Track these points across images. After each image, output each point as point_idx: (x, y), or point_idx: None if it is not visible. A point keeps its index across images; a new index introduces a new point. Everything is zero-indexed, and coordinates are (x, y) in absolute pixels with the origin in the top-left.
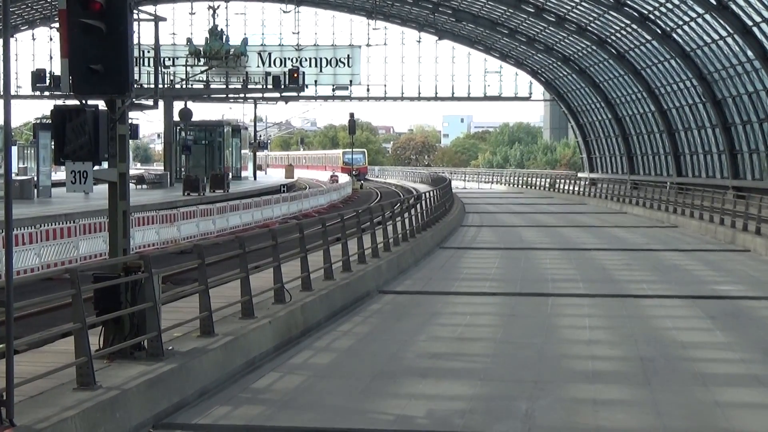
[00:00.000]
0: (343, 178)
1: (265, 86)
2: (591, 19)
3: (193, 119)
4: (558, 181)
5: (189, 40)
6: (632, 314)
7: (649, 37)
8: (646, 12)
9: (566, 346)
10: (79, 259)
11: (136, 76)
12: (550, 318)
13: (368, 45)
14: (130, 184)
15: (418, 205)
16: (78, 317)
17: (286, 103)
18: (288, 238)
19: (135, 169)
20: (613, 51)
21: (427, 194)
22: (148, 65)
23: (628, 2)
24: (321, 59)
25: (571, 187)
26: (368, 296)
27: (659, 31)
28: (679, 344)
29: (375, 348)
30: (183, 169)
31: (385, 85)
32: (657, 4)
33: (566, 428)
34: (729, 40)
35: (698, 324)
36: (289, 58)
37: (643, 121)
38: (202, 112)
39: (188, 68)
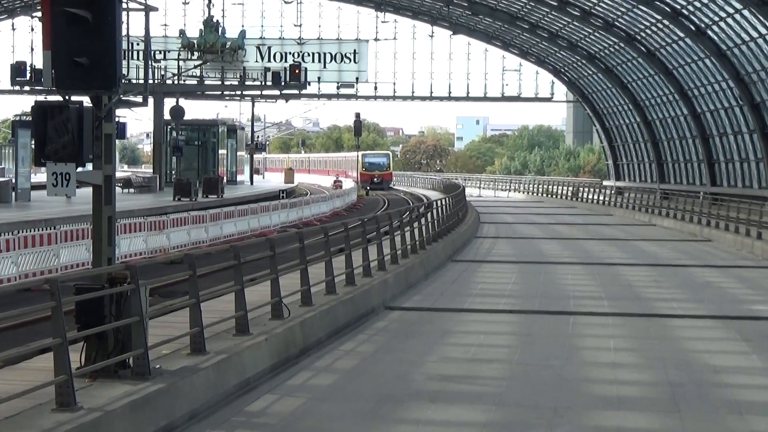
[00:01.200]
0: (348, 183)
1: (263, 83)
2: (619, 13)
3: (185, 118)
4: (581, 189)
5: (182, 32)
6: (661, 335)
7: (681, 34)
8: (678, 7)
9: (588, 369)
10: (59, 269)
11: (125, 71)
12: (571, 338)
13: (376, 39)
14: (117, 188)
15: (429, 214)
16: (58, 332)
17: (287, 101)
18: (287, 248)
19: (122, 171)
20: (643, 49)
21: (439, 202)
22: (138, 59)
23: None
24: (325, 54)
25: (595, 197)
26: (373, 313)
27: (693, 28)
28: (711, 368)
29: (380, 369)
30: (174, 172)
31: (394, 83)
32: None
33: None
34: None
35: (732, 347)
36: (290, 53)
37: (675, 125)
38: (196, 110)
39: (181, 62)
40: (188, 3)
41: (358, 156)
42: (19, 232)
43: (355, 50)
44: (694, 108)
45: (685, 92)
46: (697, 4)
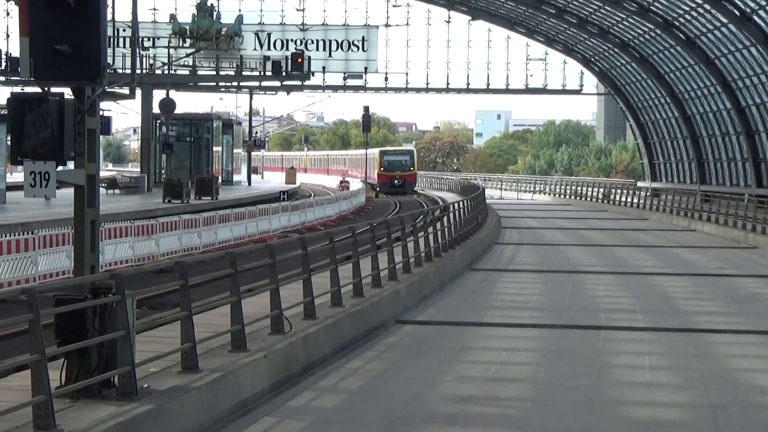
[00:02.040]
0: (356, 184)
1: (263, 73)
2: None
3: (176, 111)
4: (613, 191)
5: (173, 17)
6: (701, 352)
7: (724, 20)
8: None
9: (621, 390)
10: (38, 278)
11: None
12: (602, 355)
13: (387, 25)
14: (101, 189)
15: (445, 218)
16: (36, 347)
17: (288, 93)
18: (288, 255)
19: (106, 170)
20: (682, 36)
21: (456, 205)
22: (124, 46)
23: None
24: (330, 42)
25: (628, 199)
26: (384, 327)
27: (737, 13)
28: (757, 389)
29: (391, 389)
30: (163, 172)
31: (406, 74)
32: None
33: None
34: None
35: None
36: (292, 40)
37: (717, 120)
38: (188, 103)
39: (171, 51)
40: None
41: (365, 154)
42: None
43: (363, 37)
44: (738, 101)
45: (728, 84)
46: None
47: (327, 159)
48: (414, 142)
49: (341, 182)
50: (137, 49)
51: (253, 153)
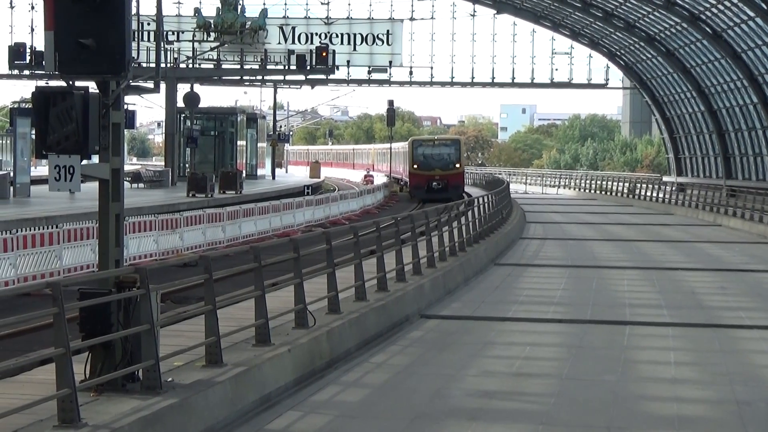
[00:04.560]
0: (381, 179)
1: (287, 67)
2: None
3: (200, 105)
4: (639, 185)
5: (197, 11)
6: (727, 348)
7: (751, 14)
8: None
9: (646, 386)
10: (62, 272)
11: (134, 53)
12: (627, 351)
13: (412, 19)
14: (125, 183)
15: (470, 213)
16: (60, 341)
17: (313, 87)
18: (312, 250)
19: (130, 164)
20: (708, 30)
21: (481, 199)
22: (149, 40)
23: None
24: (355, 35)
25: (654, 194)
26: (408, 321)
27: (764, 6)
28: None
29: (415, 384)
30: (187, 166)
31: (431, 68)
32: None
33: None
34: None
35: None
36: (316, 34)
37: (743, 115)
38: (212, 97)
39: (196, 44)
40: None
41: (390, 147)
42: (17, 231)
43: (388, 31)
44: (765, 96)
45: (754, 78)
46: None
47: (352, 153)
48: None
49: (366, 176)
50: (162, 43)
51: (276, 147)
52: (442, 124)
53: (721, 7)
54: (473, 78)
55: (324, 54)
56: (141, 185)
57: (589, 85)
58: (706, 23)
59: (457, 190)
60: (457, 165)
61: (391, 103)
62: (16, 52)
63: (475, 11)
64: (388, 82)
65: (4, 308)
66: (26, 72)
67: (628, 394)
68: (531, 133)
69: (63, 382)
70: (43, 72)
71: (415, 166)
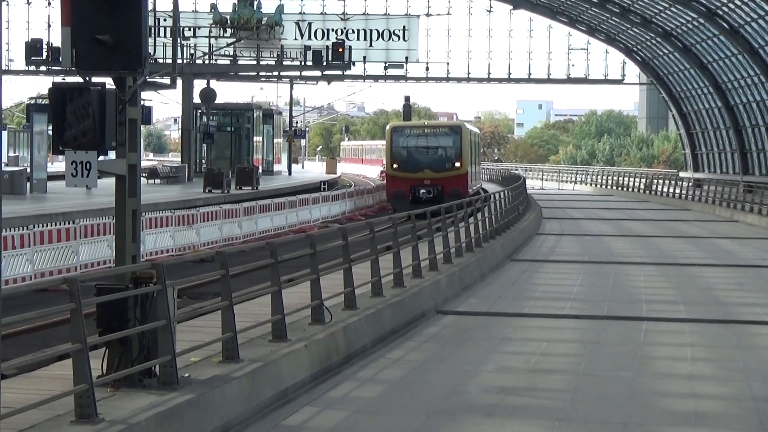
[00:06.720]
0: None
1: (303, 63)
2: None
3: (216, 101)
4: (655, 181)
5: (213, 7)
6: (744, 344)
7: None
8: None
9: (663, 382)
10: (79, 267)
11: (151, 49)
12: (644, 347)
13: (428, 15)
14: (142, 178)
15: (486, 209)
16: (77, 336)
17: (329, 83)
18: (328, 245)
19: (147, 160)
20: (725, 25)
21: (497, 195)
22: (165, 36)
23: None
24: (371, 31)
25: (671, 190)
26: (424, 317)
27: None
28: None
29: (431, 380)
30: (204, 162)
31: (447, 64)
32: None
33: None
34: None
35: None
36: (332, 30)
37: (761, 110)
38: (228, 92)
39: (212, 40)
40: None
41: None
42: (34, 227)
43: (404, 27)
44: None
45: None
46: None
47: (368, 149)
48: None
49: (382, 172)
50: (178, 39)
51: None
52: (458, 119)
53: (738, 2)
54: (489, 74)
55: (340, 50)
56: (157, 181)
57: (606, 81)
58: (724, 18)
59: (457, 198)
60: (458, 164)
61: (407, 98)
62: (33, 47)
63: (491, 7)
64: (404, 77)
65: (22, 304)
66: (43, 68)
67: (645, 390)
68: (547, 129)
69: (80, 378)
70: (60, 68)
71: (395, 166)
